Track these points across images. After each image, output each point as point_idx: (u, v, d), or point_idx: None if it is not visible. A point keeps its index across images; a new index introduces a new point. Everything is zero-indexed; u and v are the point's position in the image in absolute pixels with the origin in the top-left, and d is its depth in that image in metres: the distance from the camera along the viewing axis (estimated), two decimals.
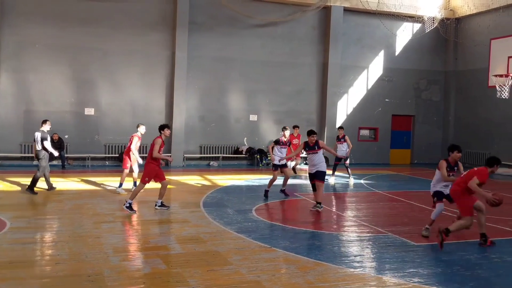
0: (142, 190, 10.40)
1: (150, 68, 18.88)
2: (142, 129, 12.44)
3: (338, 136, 15.87)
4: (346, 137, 15.69)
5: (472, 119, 21.82)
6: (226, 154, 19.90)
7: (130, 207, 9.81)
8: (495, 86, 12.10)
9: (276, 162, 12.00)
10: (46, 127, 11.91)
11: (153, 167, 10.06)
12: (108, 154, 18.47)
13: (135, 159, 12.31)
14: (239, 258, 6.89)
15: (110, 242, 7.55)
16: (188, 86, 19.21)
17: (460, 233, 8.91)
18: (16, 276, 5.91)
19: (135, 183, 12.40)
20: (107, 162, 18.66)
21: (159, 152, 10.10)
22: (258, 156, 19.79)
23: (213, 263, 6.66)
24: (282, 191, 12.21)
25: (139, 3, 18.56)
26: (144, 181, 10.06)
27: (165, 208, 10.19)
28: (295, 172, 16.78)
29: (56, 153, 12.30)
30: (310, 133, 10.76)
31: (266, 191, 12.02)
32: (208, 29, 19.45)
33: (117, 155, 18.40)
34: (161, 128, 10.33)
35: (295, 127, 17.14)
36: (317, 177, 10.63)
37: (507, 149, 19.17)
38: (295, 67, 20.79)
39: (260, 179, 15.81)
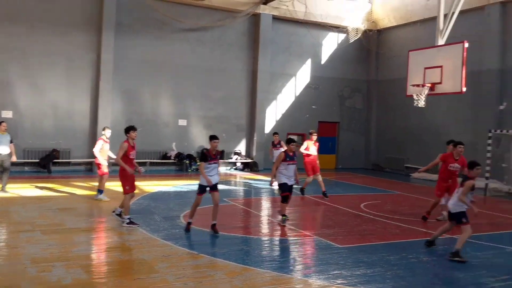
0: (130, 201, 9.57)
1: (73, 70, 18.09)
2: (107, 133, 12.11)
3: (273, 142, 15.99)
4: (282, 143, 15.67)
5: (391, 126, 23.02)
6: (153, 159, 19.51)
7: (131, 222, 9.17)
8: (412, 95, 12.83)
9: (203, 183, 8.94)
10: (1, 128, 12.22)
11: (126, 174, 9.29)
12: (27, 159, 17.45)
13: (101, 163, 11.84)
14: (166, 266, 6.77)
15: (28, 253, 7.14)
16: (114, 89, 18.64)
17: (381, 235, 9.36)
18: None
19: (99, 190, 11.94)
20: (26, 168, 17.62)
21: (129, 157, 9.40)
22: (187, 162, 19.58)
23: (139, 272, 6.50)
24: (213, 226, 8.98)
25: (62, 2, 17.79)
26: (126, 192, 9.31)
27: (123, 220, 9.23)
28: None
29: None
30: (290, 141, 10.08)
31: (189, 224, 9.04)
32: (136, 31, 19.02)
33: (37, 160, 17.44)
34: (126, 130, 9.42)
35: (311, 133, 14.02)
36: (291, 188, 10.09)
37: (423, 154, 20.38)
38: (225, 73, 20.86)
39: (189, 184, 15.65)
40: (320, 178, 13.56)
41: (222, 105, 20.91)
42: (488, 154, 16.06)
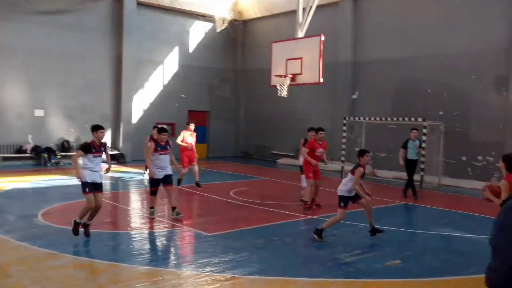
0: None
1: None
2: None
3: (151, 136, 14.47)
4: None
5: (259, 115, 23.85)
6: (6, 154, 17.73)
7: None
8: (276, 86, 13.38)
9: (86, 179, 7.59)
10: None
11: None
12: None
13: None
14: (22, 269, 6.23)
15: None
16: None
17: (249, 220, 9.67)
18: None
19: None
20: None
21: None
22: (46, 155, 18.15)
23: None
24: (86, 227, 7.81)
25: None
26: None
27: None
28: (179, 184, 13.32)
29: None
30: (161, 130, 9.60)
31: (82, 226, 7.79)
32: None
33: None
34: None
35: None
36: (168, 181, 9.51)
37: (287, 141, 21.49)
38: (86, 59, 19.65)
39: (48, 179, 14.56)
40: (196, 168, 13.45)
41: (85, 94, 19.72)
42: (344, 140, 17.49)
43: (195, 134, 13.58)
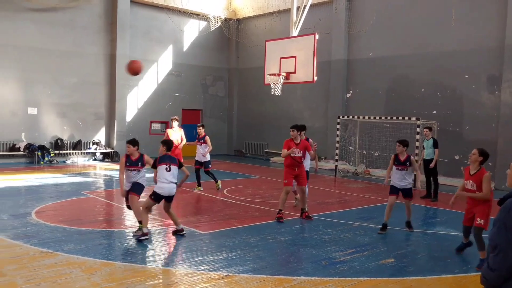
0: None
1: None
2: None
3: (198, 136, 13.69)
4: (207, 138, 13.63)
5: (252, 113, 23.86)
6: None
7: None
8: (270, 84, 13.38)
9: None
10: None
11: None
12: None
13: None
14: (15, 268, 6.19)
15: None
16: None
17: (243, 218, 9.67)
18: None
19: None
20: None
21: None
22: (39, 153, 18.07)
23: None
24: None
25: None
26: None
27: None
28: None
29: None
30: (133, 143, 8.18)
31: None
32: None
33: None
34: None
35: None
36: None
37: (281, 140, 21.44)
38: (79, 57, 19.57)
39: (42, 178, 14.49)
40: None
41: (78, 92, 19.64)
42: (337, 138, 17.52)
43: (181, 130, 13.49)
